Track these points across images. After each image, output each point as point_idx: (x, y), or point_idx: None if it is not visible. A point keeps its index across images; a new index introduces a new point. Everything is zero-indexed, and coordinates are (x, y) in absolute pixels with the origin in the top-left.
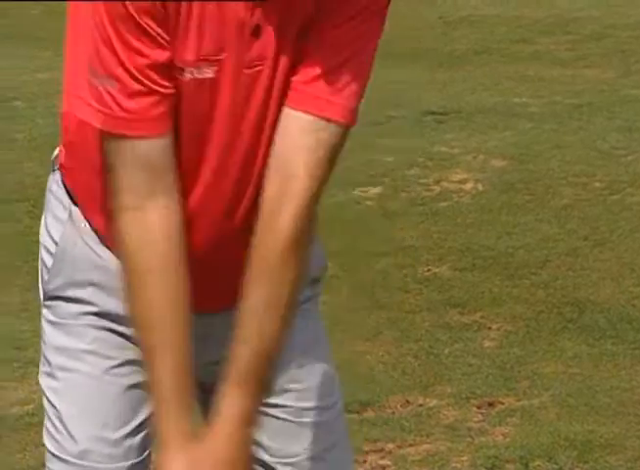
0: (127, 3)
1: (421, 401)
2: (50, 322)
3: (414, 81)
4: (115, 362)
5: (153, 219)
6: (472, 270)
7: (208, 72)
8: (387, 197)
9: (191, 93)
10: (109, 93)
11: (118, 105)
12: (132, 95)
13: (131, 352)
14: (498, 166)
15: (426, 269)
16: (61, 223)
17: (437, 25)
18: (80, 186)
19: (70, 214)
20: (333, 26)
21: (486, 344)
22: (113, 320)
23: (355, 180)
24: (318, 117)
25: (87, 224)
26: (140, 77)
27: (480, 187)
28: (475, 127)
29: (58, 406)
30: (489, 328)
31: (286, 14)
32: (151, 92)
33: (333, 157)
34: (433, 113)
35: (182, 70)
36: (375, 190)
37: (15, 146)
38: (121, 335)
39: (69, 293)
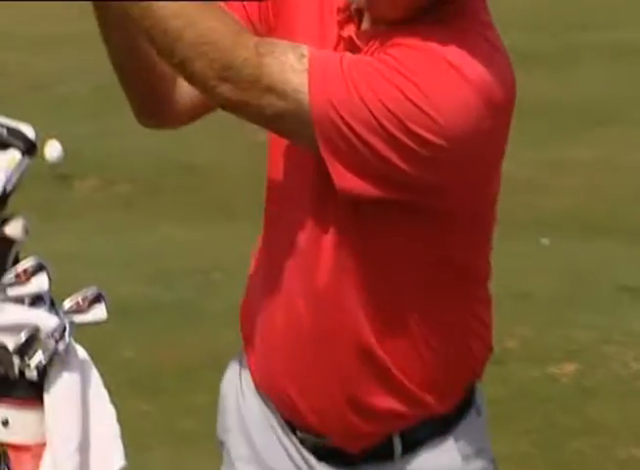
0: None
1: None
2: None
3: (610, 255)
4: None
5: None
6: None
7: None
8: (583, 374)
9: None
10: None
11: None
12: None
13: None
14: None
15: (624, 451)
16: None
17: (633, 198)
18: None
19: (238, 357)
20: None
21: None
22: None
23: (551, 356)
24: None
25: (245, 364)
26: None
27: None
28: None
29: None
30: None
31: None
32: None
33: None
34: (629, 288)
35: None
36: (571, 367)
37: (211, 317)
38: None
39: (221, 437)
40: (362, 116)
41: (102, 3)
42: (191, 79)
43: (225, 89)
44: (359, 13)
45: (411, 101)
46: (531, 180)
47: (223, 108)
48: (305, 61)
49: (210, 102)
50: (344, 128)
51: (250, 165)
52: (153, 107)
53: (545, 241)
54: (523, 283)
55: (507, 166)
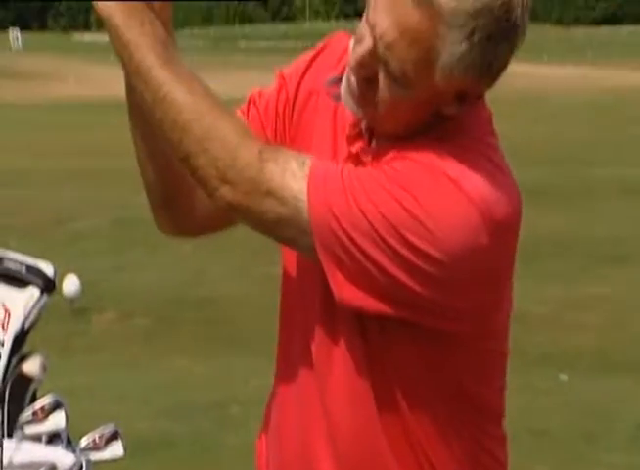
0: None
1: None
2: None
3: (629, 392)
4: None
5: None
6: None
7: None
8: None
9: None
10: None
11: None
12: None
13: None
14: None
15: None
16: None
17: None
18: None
19: None
20: None
21: None
22: None
23: None
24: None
25: None
26: (254, 95)
27: None
28: None
29: None
30: None
31: None
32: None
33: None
34: None
35: None
36: None
37: (228, 451)
38: None
39: None
40: (362, 227)
41: (127, 91)
42: (194, 175)
43: (226, 191)
44: (370, 131)
45: (409, 212)
46: (549, 317)
47: (227, 212)
48: (306, 168)
49: (214, 204)
50: (346, 240)
51: (265, 299)
52: (172, 210)
53: (564, 377)
54: (541, 419)
55: (524, 303)
